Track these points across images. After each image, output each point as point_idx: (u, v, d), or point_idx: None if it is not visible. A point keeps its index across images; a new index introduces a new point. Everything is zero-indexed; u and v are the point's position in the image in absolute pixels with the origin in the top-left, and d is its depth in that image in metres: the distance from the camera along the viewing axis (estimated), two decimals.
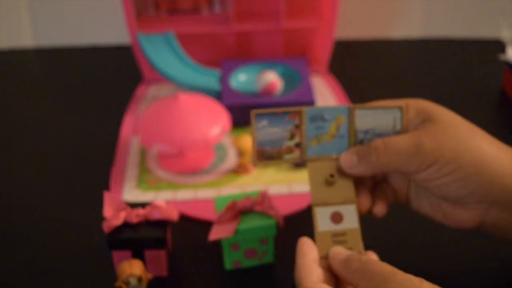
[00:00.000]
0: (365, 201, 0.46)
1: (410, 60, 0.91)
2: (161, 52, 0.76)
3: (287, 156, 0.45)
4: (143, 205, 0.51)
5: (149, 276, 0.47)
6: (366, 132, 0.45)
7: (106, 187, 0.62)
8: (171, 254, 0.53)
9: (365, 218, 0.46)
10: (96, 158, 0.67)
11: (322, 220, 0.43)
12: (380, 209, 0.46)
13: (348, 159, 0.44)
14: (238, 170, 0.64)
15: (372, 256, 0.43)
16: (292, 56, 0.84)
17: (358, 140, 0.45)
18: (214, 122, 0.62)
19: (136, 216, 0.49)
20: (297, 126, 0.44)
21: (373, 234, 0.46)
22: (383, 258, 0.41)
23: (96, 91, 0.81)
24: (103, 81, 0.84)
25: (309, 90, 0.71)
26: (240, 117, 0.69)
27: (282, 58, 0.82)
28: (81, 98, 0.80)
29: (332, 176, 0.44)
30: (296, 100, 0.69)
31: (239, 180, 0.63)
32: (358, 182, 0.46)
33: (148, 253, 0.49)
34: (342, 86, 0.81)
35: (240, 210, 0.50)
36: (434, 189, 0.44)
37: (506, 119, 0.76)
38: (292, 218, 0.57)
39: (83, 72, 0.87)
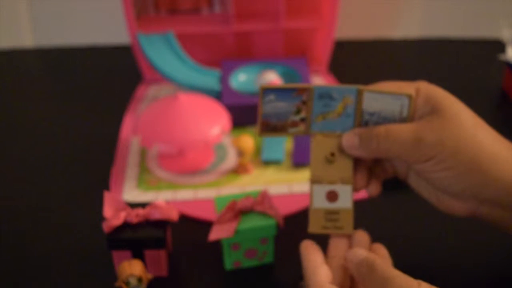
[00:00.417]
0: (361, 180, 0.46)
1: (410, 60, 0.91)
2: (161, 52, 0.76)
3: (292, 130, 0.45)
4: (143, 205, 0.51)
5: (149, 276, 0.47)
6: (372, 114, 0.45)
7: (106, 187, 0.62)
8: (171, 254, 0.53)
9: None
10: (96, 158, 0.67)
11: (317, 197, 0.44)
12: (373, 189, 0.47)
13: (350, 140, 0.45)
14: (238, 170, 0.64)
15: (380, 250, 0.44)
16: (292, 56, 0.84)
17: (363, 121, 0.45)
18: (214, 122, 0.62)
19: (136, 216, 0.49)
20: (304, 102, 0.44)
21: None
22: (391, 250, 0.41)
23: (96, 91, 0.81)
24: (103, 81, 0.84)
25: None
26: (240, 117, 0.69)
27: (282, 58, 0.82)
28: (81, 98, 0.80)
29: (332, 155, 0.45)
30: None
31: (239, 180, 0.63)
32: (358, 159, 0.46)
33: (148, 253, 0.49)
34: None
35: (240, 210, 0.50)
36: (430, 179, 0.44)
37: (506, 119, 0.76)
38: (292, 218, 0.57)
39: (83, 72, 0.87)
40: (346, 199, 0.45)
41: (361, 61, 0.90)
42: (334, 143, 0.45)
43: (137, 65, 0.82)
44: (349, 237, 0.45)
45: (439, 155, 0.42)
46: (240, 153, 0.62)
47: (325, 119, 0.45)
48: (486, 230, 0.48)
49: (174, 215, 0.50)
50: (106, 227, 0.48)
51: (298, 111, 0.45)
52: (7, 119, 0.76)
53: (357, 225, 0.45)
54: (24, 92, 0.82)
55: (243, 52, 0.85)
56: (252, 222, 0.49)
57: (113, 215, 0.49)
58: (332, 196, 0.45)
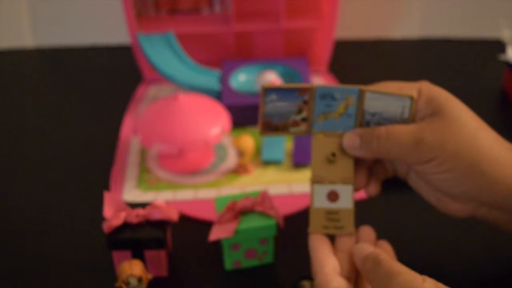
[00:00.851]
0: (361, 179, 0.47)
1: (410, 60, 0.91)
2: (161, 52, 0.76)
3: (293, 129, 0.46)
4: (143, 205, 0.51)
5: (149, 276, 0.47)
6: (373, 114, 0.45)
7: (106, 187, 0.62)
8: (171, 254, 0.53)
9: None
10: (96, 158, 0.67)
11: (318, 197, 0.44)
12: (373, 189, 0.47)
13: (350, 140, 0.45)
14: (238, 170, 0.64)
15: (385, 246, 0.44)
16: (292, 56, 0.84)
17: (364, 121, 0.45)
18: (214, 122, 0.62)
19: (136, 216, 0.49)
20: (306, 102, 0.45)
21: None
22: (396, 247, 0.41)
23: (96, 91, 0.81)
24: (103, 81, 0.84)
25: None
26: (240, 117, 0.69)
27: (282, 58, 0.82)
28: (81, 98, 0.80)
29: (333, 155, 0.45)
30: None
31: (239, 180, 0.63)
32: (359, 159, 0.47)
33: (148, 253, 0.49)
34: None
35: (240, 210, 0.50)
36: (430, 181, 0.45)
37: (506, 119, 0.76)
38: (292, 218, 0.57)
39: (83, 72, 0.86)
40: (347, 199, 0.45)
41: (361, 61, 0.90)
42: (335, 143, 0.45)
43: (137, 65, 0.82)
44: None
45: (440, 157, 0.42)
46: (240, 153, 0.62)
47: (327, 119, 0.45)
48: (487, 229, 0.48)
49: (174, 215, 0.50)
50: (106, 227, 0.48)
51: (299, 111, 0.45)
52: (7, 119, 0.76)
53: (357, 225, 0.45)
54: (24, 92, 0.82)
55: (243, 52, 0.85)
56: (252, 222, 0.49)
57: (113, 215, 0.49)
58: (333, 196, 0.45)
